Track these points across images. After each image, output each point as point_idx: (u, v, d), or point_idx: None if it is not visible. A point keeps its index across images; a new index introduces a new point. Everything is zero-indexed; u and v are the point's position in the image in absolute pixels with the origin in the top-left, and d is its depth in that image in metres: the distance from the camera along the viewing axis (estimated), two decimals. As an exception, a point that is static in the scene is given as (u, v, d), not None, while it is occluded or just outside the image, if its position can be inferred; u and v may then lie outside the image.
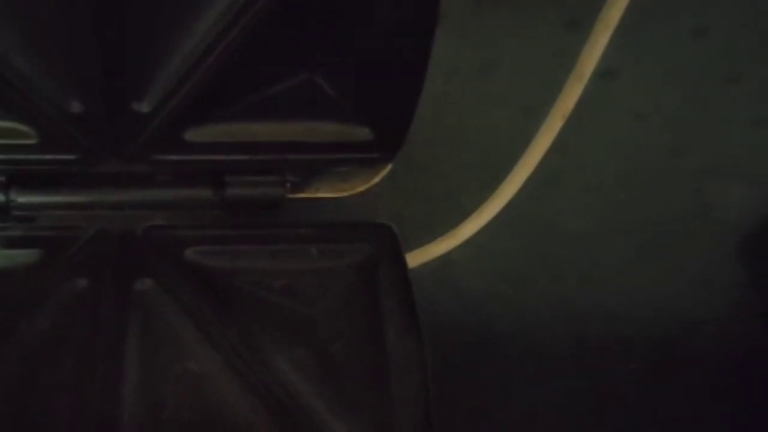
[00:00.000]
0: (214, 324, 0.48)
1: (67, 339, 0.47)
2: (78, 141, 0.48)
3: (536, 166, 0.53)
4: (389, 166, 0.52)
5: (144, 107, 0.47)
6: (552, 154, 0.53)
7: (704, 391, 0.66)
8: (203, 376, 0.46)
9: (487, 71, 0.61)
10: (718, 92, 0.63)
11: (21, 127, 0.48)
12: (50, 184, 0.50)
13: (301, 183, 0.52)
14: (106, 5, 0.44)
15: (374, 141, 0.50)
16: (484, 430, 0.62)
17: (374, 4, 0.46)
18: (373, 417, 0.46)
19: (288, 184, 0.51)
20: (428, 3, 0.45)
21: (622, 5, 0.49)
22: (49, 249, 0.49)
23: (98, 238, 0.50)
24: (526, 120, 0.55)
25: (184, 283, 0.49)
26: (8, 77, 0.46)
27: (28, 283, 0.49)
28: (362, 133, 0.50)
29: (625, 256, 0.66)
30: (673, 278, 0.66)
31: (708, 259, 0.67)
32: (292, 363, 0.47)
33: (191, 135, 0.49)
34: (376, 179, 0.52)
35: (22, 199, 0.50)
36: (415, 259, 0.54)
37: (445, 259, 0.56)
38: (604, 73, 0.53)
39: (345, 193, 0.53)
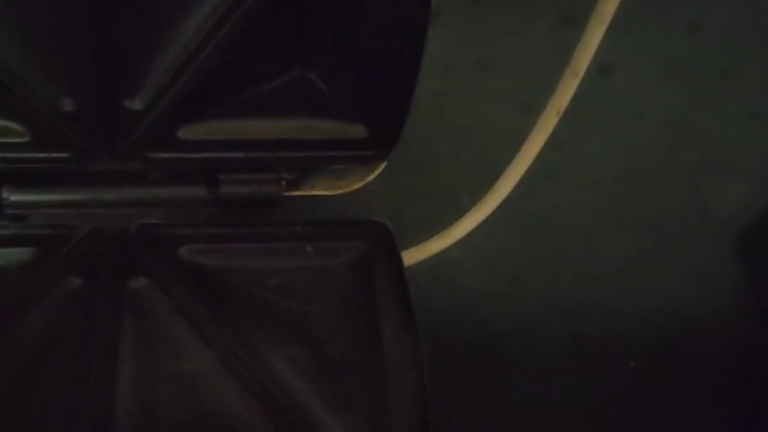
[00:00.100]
0: (209, 322, 0.48)
1: (61, 338, 0.47)
2: (71, 139, 0.48)
3: (532, 163, 0.53)
4: (384, 164, 0.52)
5: (137, 105, 0.47)
6: (548, 150, 0.53)
7: (703, 389, 0.66)
8: (198, 375, 0.46)
9: (483, 68, 0.61)
10: (714, 88, 0.63)
11: (14, 126, 0.48)
12: (43, 182, 0.50)
13: (295, 181, 0.52)
14: (98, 3, 0.44)
15: (369, 138, 0.50)
16: (480, 429, 0.62)
17: (367, 0, 0.46)
18: (369, 415, 0.46)
19: (283, 182, 0.51)
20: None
21: (617, 0, 0.49)
22: (43, 247, 0.49)
23: (92, 236, 0.50)
24: (522, 117, 0.55)
25: (178, 281, 0.49)
26: (0, 76, 0.45)
27: (22, 282, 0.48)
28: (357, 130, 0.50)
29: (623, 254, 0.66)
30: (671, 275, 0.66)
31: (706, 256, 0.67)
32: (288, 361, 0.47)
33: (185, 133, 0.49)
34: (371, 177, 0.52)
35: (14, 197, 0.50)
36: (410, 257, 0.54)
37: (441, 256, 0.55)
38: (599, 69, 0.53)
39: (340, 191, 0.53)
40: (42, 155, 0.49)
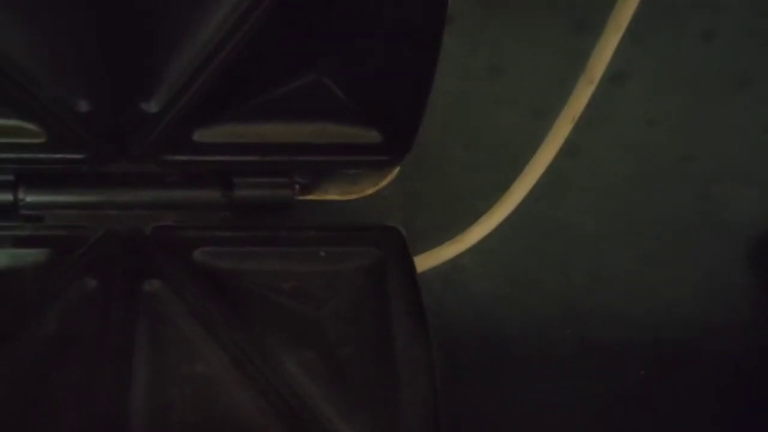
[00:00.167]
0: (222, 325, 0.48)
1: (75, 339, 0.47)
2: (86, 140, 0.48)
3: (546, 169, 0.53)
4: (398, 169, 0.52)
5: (152, 107, 0.47)
6: (562, 157, 0.53)
7: (714, 395, 0.65)
8: (211, 378, 0.46)
9: (497, 74, 0.61)
10: (728, 96, 0.62)
11: (29, 126, 0.48)
12: (58, 183, 0.50)
13: (309, 185, 0.52)
14: (113, 4, 0.44)
15: (383, 143, 0.50)
16: (492, 434, 0.62)
17: (382, 5, 0.46)
18: (381, 420, 0.46)
19: (296, 186, 0.51)
20: (436, 5, 0.45)
21: (632, 7, 0.49)
22: (58, 249, 0.49)
23: (106, 238, 0.50)
24: (536, 123, 0.55)
25: (192, 284, 0.49)
26: (16, 76, 0.46)
27: (36, 283, 0.49)
28: (371, 135, 0.50)
29: (635, 260, 0.66)
30: (683, 282, 0.66)
31: (718, 264, 0.67)
32: (300, 365, 0.47)
33: (200, 135, 0.49)
34: (385, 182, 0.52)
35: (30, 198, 0.50)
36: (423, 262, 0.54)
37: (454, 262, 0.55)
38: (613, 76, 0.53)
39: (353, 196, 0.53)
40: (57, 156, 0.49)
